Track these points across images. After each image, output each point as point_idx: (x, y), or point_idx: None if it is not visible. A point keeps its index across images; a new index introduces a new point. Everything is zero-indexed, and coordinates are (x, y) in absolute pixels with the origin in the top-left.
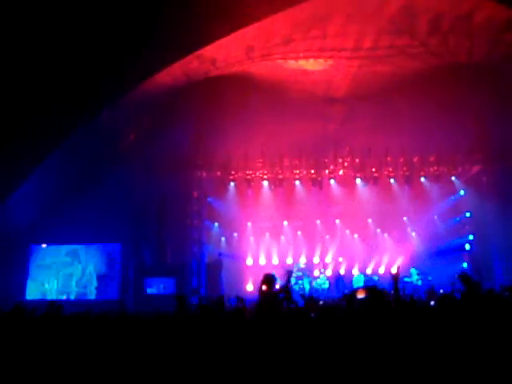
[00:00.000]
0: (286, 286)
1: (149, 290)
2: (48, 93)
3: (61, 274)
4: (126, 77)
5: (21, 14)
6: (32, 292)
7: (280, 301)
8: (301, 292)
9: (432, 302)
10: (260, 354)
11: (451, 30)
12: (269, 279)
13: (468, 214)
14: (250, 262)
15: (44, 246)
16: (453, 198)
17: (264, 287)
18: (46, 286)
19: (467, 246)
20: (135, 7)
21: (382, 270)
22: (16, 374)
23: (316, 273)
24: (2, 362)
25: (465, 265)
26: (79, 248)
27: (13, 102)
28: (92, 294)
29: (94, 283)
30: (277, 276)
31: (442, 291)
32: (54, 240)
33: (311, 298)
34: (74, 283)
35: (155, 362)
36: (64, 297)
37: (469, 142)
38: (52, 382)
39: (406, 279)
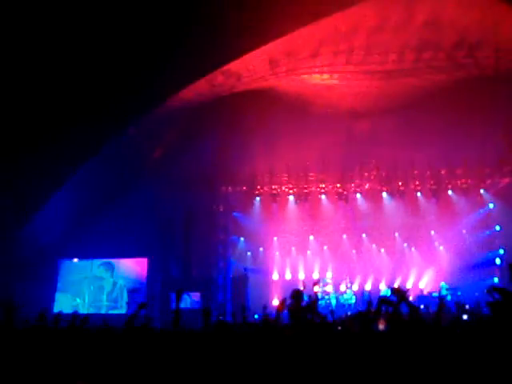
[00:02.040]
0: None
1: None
2: (78, 108)
3: (92, 288)
4: (152, 92)
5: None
6: (62, 306)
7: (305, 315)
8: (329, 308)
9: (465, 317)
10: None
11: (478, 42)
12: (296, 294)
13: (498, 228)
14: (275, 276)
15: (75, 260)
16: (481, 211)
17: (291, 302)
18: (77, 300)
19: (498, 261)
20: (162, 23)
21: (409, 285)
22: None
23: (342, 288)
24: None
25: (496, 280)
26: (111, 261)
27: (42, 116)
28: (123, 309)
29: (125, 297)
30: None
31: (467, 306)
32: (82, 254)
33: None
34: (104, 297)
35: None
36: (92, 311)
37: (497, 155)
38: None
39: (435, 294)
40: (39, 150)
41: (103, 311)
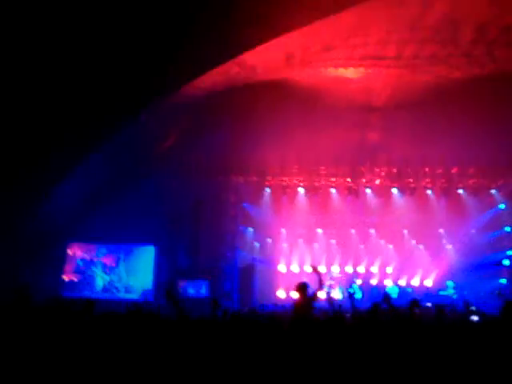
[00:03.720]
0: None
1: (182, 293)
2: (90, 95)
3: (101, 273)
4: (165, 80)
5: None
6: (71, 289)
7: (312, 308)
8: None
9: (475, 318)
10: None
11: (495, 40)
12: (301, 287)
13: (507, 229)
14: (282, 268)
15: (83, 245)
16: (491, 211)
17: (297, 295)
18: (87, 283)
19: (506, 262)
20: (176, 11)
21: (415, 282)
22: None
23: (348, 282)
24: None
25: (503, 281)
26: (120, 247)
27: (53, 103)
28: (131, 294)
29: (132, 283)
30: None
31: (473, 308)
32: (92, 239)
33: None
34: (114, 283)
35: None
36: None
37: (510, 155)
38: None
39: (442, 292)
40: (49, 136)
41: (112, 296)
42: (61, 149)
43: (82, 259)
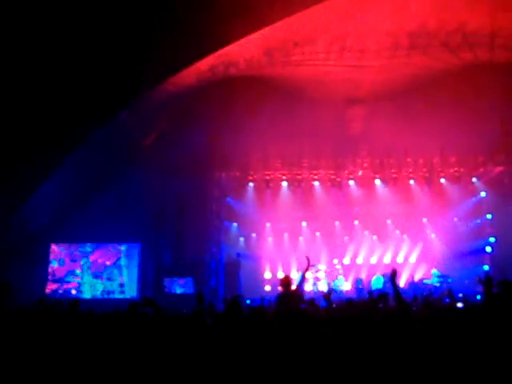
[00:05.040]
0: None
1: (167, 290)
2: (66, 93)
3: (85, 273)
4: (144, 77)
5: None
6: (54, 290)
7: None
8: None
9: (460, 305)
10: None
11: (474, 30)
12: (285, 281)
13: (489, 216)
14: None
15: (66, 245)
16: (473, 199)
17: (280, 288)
18: (70, 284)
19: (488, 249)
20: (152, 7)
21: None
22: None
23: (334, 274)
24: (23, 357)
25: (486, 267)
26: (101, 247)
27: (31, 103)
28: (116, 293)
29: (118, 282)
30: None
31: (461, 295)
32: (75, 239)
33: (312, 303)
34: (99, 282)
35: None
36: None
37: (491, 143)
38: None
39: (426, 281)
40: (28, 137)
41: (98, 295)
42: (41, 149)
43: (66, 258)
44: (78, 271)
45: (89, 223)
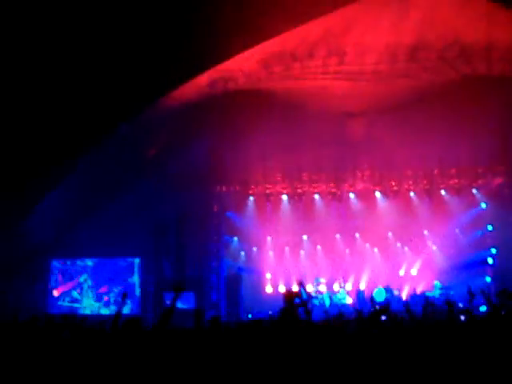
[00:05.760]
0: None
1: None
2: (66, 108)
3: (85, 287)
4: (144, 92)
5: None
6: (57, 307)
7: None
8: (323, 308)
9: (462, 317)
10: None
11: (471, 43)
12: (288, 295)
13: (490, 228)
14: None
15: (67, 261)
16: (474, 211)
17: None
18: (73, 299)
19: (490, 260)
20: (153, 22)
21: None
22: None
23: (336, 287)
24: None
25: (488, 279)
26: (105, 262)
27: (32, 118)
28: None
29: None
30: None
31: (461, 305)
32: (76, 254)
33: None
34: (99, 297)
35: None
36: (88, 312)
37: (490, 155)
38: None
39: (428, 293)
40: (29, 152)
41: (100, 311)
42: (41, 164)
43: (67, 274)
44: (78, 287)
45: (89, 238)
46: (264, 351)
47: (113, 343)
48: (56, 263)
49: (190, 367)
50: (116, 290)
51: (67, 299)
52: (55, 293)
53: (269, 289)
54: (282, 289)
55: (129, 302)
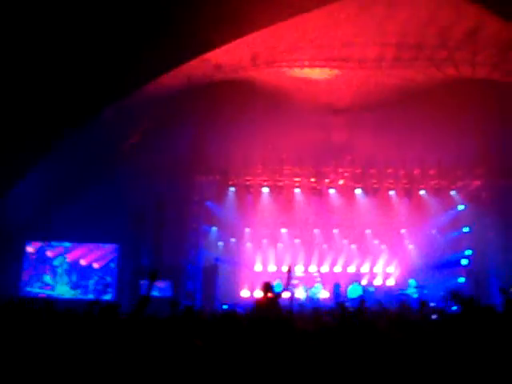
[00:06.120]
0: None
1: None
2: (47, 91)
3: (60, 271)
4: (128, 78)
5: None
6: (31, 289)
7: (275, 307)
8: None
9: (434, 316)
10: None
11: (456, 44)
12: (266, 287)
13: (466, 229)
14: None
15: (43, 243)
16: (452, 212)
17: (260, 295)
18: (47, 283)
19: (464, 261)
20: (140, 9)
21: (377, 281)
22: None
23: (311, 282)
24: None
25: (461, 279)
26: (79, 246)
27: (11, 99)
28: (91, 294)
29: (93, 282)
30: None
31: (433, 304)
32: (52, 238)
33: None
34: (73, 282)
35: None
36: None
37: (470, 157)
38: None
39: (402, 291)
40: (5, 134)
41: (70, 296)
42: (20, 146)
43: (41, 257)
44: (53, 270)
45: (67, 222)
46: (239, 342)
47: (88, 329)
48: (31, 246)
49: (162, 356)
50: (95, 276)
51: (39, 283)
52: (27, 276)
53: (245, 280)
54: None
55: (109, 290)
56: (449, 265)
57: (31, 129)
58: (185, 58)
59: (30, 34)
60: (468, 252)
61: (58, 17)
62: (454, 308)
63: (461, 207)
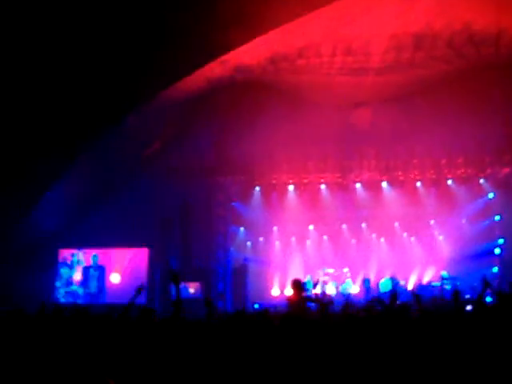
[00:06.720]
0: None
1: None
2: (73, 100)
3: (91, 277)
4: (149, 83)
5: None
6: (64, 295)
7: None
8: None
9: (469, 307)
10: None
11: (478, 30)
12: (296, 285)
13: (497, 218)
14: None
15: (75, 250)
16: (481, 200)
17: (292, 293)
18: (79, 290)
19: (497, 251)
20: (157, 14)
21: (408, 275)
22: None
23: (342, 277)
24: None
25: (495, 269)
26: (110, 251)
27: (37, 108)
28: (123, 299)
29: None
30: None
31: (467, 296)
32: (83, 245)
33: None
34: (105, 287)
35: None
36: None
37: (497, 144)
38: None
39: (435, 284)
40: (36, 143)
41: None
42: (47, 155)
43: (74, 264)
44: (86, 276)
45: (96, 229)
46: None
47: (127, 333)
48: (63, 253)
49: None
50: (127, 281)
51: (72, 290)
52: (62, 282)
53: (275, 279)
54: (288, 278)
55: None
56: (481, 255)
57: (61, 137)
58: (203, 60)
59: (49, 46)
60: (500, 241)
61: (75, 26)
62: (489, 299)
63: (491, 195)
